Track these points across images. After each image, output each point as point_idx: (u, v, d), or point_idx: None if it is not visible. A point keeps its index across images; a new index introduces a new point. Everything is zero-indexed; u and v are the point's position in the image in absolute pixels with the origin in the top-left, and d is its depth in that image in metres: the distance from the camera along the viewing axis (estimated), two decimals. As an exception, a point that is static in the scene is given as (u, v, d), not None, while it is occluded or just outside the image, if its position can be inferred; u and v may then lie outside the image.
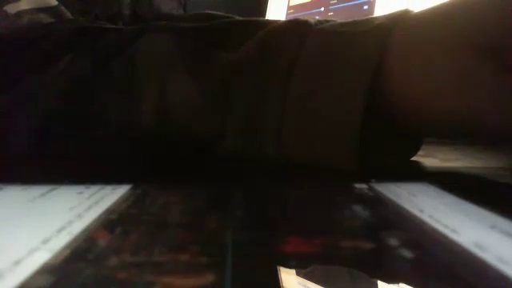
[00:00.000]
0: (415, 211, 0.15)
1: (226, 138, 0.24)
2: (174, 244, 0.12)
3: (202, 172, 0.24)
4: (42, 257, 0.11)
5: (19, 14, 0.32)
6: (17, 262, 0.11)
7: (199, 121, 0.24)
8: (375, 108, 0.21)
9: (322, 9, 0.67)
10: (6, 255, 0.11)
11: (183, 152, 0.25)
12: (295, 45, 0.22)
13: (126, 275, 0.10)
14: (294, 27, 0.23)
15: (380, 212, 0.15)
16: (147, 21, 0.46)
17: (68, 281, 0.10)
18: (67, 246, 0.12)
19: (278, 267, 0.11)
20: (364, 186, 0.19)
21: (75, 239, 0.12)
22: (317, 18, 0.24)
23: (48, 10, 0.34)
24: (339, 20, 0.24)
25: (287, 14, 0.75)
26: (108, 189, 0.18)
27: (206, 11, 0.29)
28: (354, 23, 0.22)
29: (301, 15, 0.25)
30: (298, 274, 0.11)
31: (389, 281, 0.10)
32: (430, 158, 0.27)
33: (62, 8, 0.35)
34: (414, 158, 0.26)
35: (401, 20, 0.21)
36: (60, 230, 0.13)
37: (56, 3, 0.35)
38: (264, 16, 0.77)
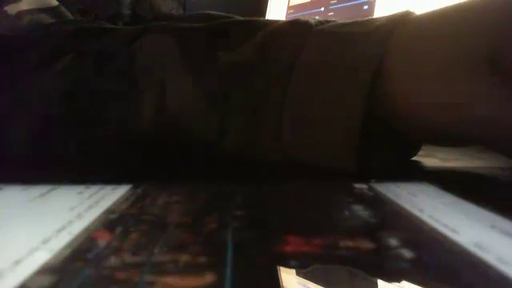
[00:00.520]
0: (415, 211, 0.15)
1: (225, 138, 0.24)
2: (174, 244, 0.12)
3: (202, 172, 0.24)
4: (41, 257, 0.11)
5: (19, 15, 0.32)
6: (17, 262, 0.11)
7: (199, 121, 0.24)
8: (375, 109, 0.21)
9: (322, 9, 0.67)
10: (5, 255, 0.11)
11: (183, 152, 0.25)
12: (295, 45, 0.22)
13: (126, 275, 0.10)
14: (294, 28, 0.23)
15: (380, 212, 0.15)
16: (147, 21, 0.46)
17: (68, 281, 0.10)
18: (67, 246, 0.12)
19: (277, 267, 0.11)
20: (364, 186, 0.19)
21: (75, 239, 0.12)
22: (317, 18, 0.24)
23: (48, 10, 0.34)
24: (340, 20, 0.24)
25: (287, 13, 0.75)
26: (108, 189, 0.18)
27: (206, 11, 0.29)
28: (355, 24, 0.22)
29: (301, 15, 0.25)
30: (298, 274, 0.11)
31: (389, 281, 0.10)
32: (429, 158, 0.27)
33: (63, 8, 0.35)
34: (414, 158, 0.26)
35: (401, 22, 0.21)
36: (60, 230, 0.13)
37: (56, 3, 0.35)
38: (264, 16, 0.77)
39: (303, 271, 0.11)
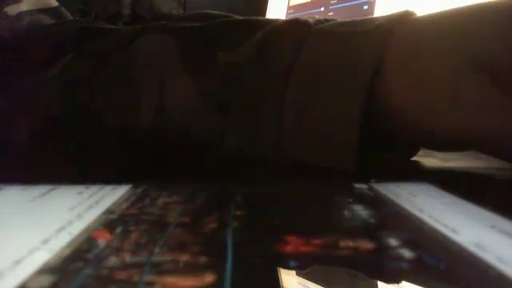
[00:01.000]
0: (415, 211, 0.15)
1: (225, 138, 0.24)
2: (174, 244, 0.12)
3: (202, 172, 0.24)
4: (41, 257, 0.11)
5: (20, 16, 0.32)
6: (17, 262, 0.11)
7: (199, 121, 0.24)
8: (374, 109, 0.21)
9: (322, 9, 0.67)
10: (5, 255, 0.11)
11: (183, 152, 0.25)
12: (294, 45, 0.22)
13: (125, 275, 0.10)
14: (294, 27, 0.23)
15: (380, 212, 0.15)
16: (147, 21, 0.46)
17: (68, 281, 0.10)
18: (67, 246, 0.12)
19: (277, 268, 0.11)
20: (364, 185, 0.19)
21: (75, 239, 0.12)
22: (317, 17, 0.24)
23: (48, 10, 0.34)
24: (339, 19, 0.24)
25: (287, 13, 0.75)
26: (108, 189, 0.18)
27: (206, 11, 0.29)
28: (354, 23, 0.22)
29: (301, 15, 0.25)
30: (298, 274, 0.11)
31: (389, 281, 0.10)
32: (430, 158, 0.27)
33: (63, 9, 0.35)
34: (414, 158, 0.26)
35: (400, 22, 0.21)
36: (60, 230, 0.13)
37: (56, 4, 0.35)
38: (264, 16, 0.77)
39: (303, 271, 0.11)
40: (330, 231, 0.13)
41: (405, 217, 0.15)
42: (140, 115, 0.25)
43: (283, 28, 0.24)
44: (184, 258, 0.11)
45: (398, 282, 0.10)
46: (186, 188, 0.19)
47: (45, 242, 0.12)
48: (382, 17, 0.22)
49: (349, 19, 0.23)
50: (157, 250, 0.12)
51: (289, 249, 0.12)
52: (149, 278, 0.10)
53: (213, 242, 0.12)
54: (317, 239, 0.12)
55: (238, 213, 0.15)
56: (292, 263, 0.11)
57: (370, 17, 0.23)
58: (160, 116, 0.25)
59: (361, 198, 0.17)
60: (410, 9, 0.22)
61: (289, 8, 0.75)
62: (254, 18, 0.26)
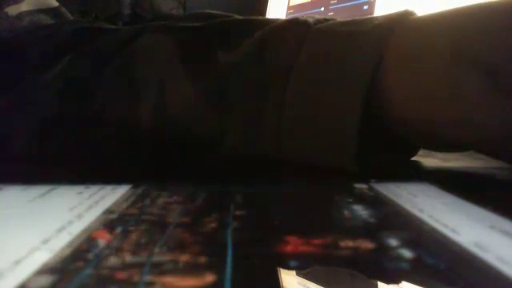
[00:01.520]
0: (415, 211, 0.15)
1: (225, 138, 0.24)
2: (174, 244, 0.12)
3: (202, 172, 0.24)
4: (41, 257, 0.11)
5: (20, 16, 0.32)
6: (17, 262, 0.11)
7: (198, 121, 0.24)
8: (374, 108, 0.21)
9: (322, 9, 0.67)
10: (5, 255, 0.11)
11: (183, 152, 0.25)
12: (294, 44, 0.22)
13: (126, 275, 0.10)
14: (294, 26, 0.23)
15: (380, 212, 0.15)
16: (147, 21, 0.46)
17: (68, 281, 0.10)
18: (67, 246, 0.12)
19: (277, 268, 0.11)
20: (364, 185, 0.19)
21: (75, 239, 0.12)
22: (316, 17, 0.24)
23: (49, 11, 0.34)
24: (339, 19, 0.24)
25: (287, 14, 0.75)
26: (108, 189, 0.18)
27: (206, 11, 0.29)
28: (354, 23, 0.22)
29: (301, 15, 0.25)
30: (298, 274, 0.11)
31: (389, 281, 0.10)
32: (429, 158, 0.27)
33: (63, 9, 0.35)
34: (414, 158, 0.26)
35: (400, 22, 0.21)
36: (60, 230, 0.13)
37: (57, 4, 0.35)
38: (264, 16, 0.77)
39: (303, 271, 0.11)
40: (330, 231, 0.13)
41: (405, 217, 0.15)
42: (140, 115, 0.25)
43: (283, 28, 0.24)
44: (184, 258, 0.11)
45: (397, 282, 0.10)
46: (185, 188, 0.19)
47: (45, 241, 0.12)
48: (381, 16, 0.22)
49: (349, 19, 0.23)
50: (157, 250, 0.12)
51: (289, 249, 0.12)
52: (149, 278, 0.10)
53: (213, 242, 0.12)
54: (317, 239, 0.12)
55: (238, 213, 0.15)
56: (292, 263, 0.11)
57: (369, 16, 0.23)
58: (160, 116, 0.25)
59: (361, 198, 0.17)
60: (410, 9, 0.22)
61: (289, 8, 0.75)
62: (253, 17, 0.26)
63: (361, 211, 0.15)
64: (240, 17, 0.27)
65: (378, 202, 0.16)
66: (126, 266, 0.10)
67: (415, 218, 0.14)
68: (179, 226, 0.14)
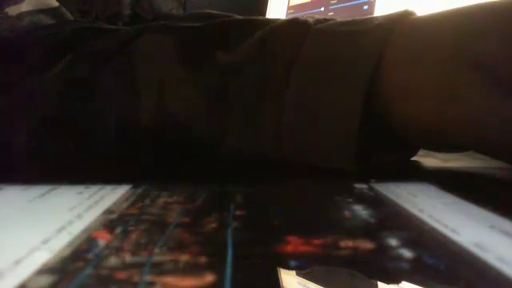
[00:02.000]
0: (415, 211, 0.15)
1: (225, 138, 0.24)
2: (174, 244, 0.12)
3: (202, 172, 0.24)
4: (41, 257, 0.11)
5: (20, 16, 0.32)
6: (17, 262, 0.11)
7: (198, 121, 0.24)
8: (374, 108, 0.21)
9: (322, 9, 0.67)
10: (5, 255, 0.11)
11: (183, 152, 0.25)
12: (294, 44, 0.22)
13: (126, 275, 0.10)
14: (294, 26, 0.23)
15: (380, 212, 0.15)
16: (147, 21, 0.46)
17: (68, 281, 0.10)
18: (67, 246, 0.12)
19: (278, 268, 0.11)
20: (364, 185, 0.19)
21: (75, 239, 0.12)
22: (316, 17, 0.24)
23: (49, 11, 0.34)
24: (339, 19, 0.24)
25: (287, 14, 0.75)
26: (108, 189, 0.18)
27: (206, 11, 0.29)
28: (354, 23, 0.22)
29: (301, 15, 0.25)
30: (298, 274, 0.11)
31: (389, 281, 0.10)
32: (429, 158, 0.27)
33: (63, 9, 0.35)
34: (414, 158, 0.26)
35: (400, 21, 0.21)
36: (60, 230, 0.13)
37: (57, 4, 0.35)
38: (264, 16, 0.77)
39: (303, 271, 0.11)
40: (330, 231, 0.13)
41: (405, 217, 0.15)
42: (140, 115, 0.25)
43: (283, 28, 0.24)
44: (184, 258, 0.11)
45: (397, 282, 0.10)
46: (186, 188, 0.19)
47: (45, 241, 0.12)
48: (381, 16, 0.22)
49: (349, 19, 0.23)
50: (157, 250, 0.12)
51: (289, 249, 0.12)
52: (149, 278, 0.10)
53: (213, 242, 0.12)
54: (317, 239, 0.12)
55: (238, 213, 0.15)
56: (292, 263, 0.11)
57: (369, 16, 0.23)
58: (160, 116, 0.25)
59: (361, 198, 0.17)
60: (410, 9, 0.22)
61: (289, 8, 0.75)
62: (253, 17, 0.26)
63: (361, 211, 0.15)
64: (240, 17, 0.27)
65: (377, 202, 0.16)
66: (125, 266, 0.10)
67: (415, 218, 0.14)
68: (179, 226, 0.14)
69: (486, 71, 0.18)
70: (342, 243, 0.12)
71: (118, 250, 0.11)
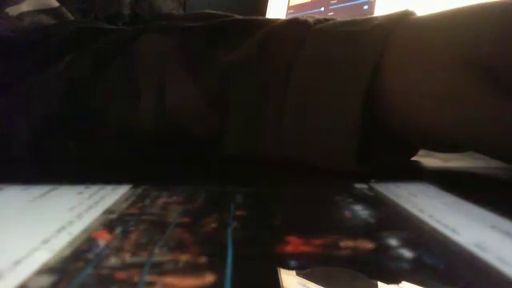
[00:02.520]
0: (415, 211, 0.15)
1: (225, 138, 0.24)
2: (174, 244, 0.12)
3: (202, 172, 0.24)
4: (41, 257, 0.11)
5: (21, 16, 0.32)
6: (17, 262, 0.11)
7: (199, 121, 0.24)
8: (374, 108, 0.21)
9: (322, 9, 0.67)
10: (6, 255, 0.11)
11: (183, 152, 0.25)
12: (294, 45, 0.22)
13: (126, 275, 0.10)
14: (294, 26, 0.23)
15: (380, 212, 0.15)
16: (147, 21, 0.46)
17: (68, 281, 0.10)
18: (67, 246, 0.12)
19: (278, 268, 0.11)
20: (364, 185, 0.19)
21: (75, 239, 0.12)
22: (316, 17, 0.24)
23: (49, 11, 0.34)
24: (339, 19, 0.24)
25: (287, 13, 0.75)
26: (108, 189, 0.18)
27: (206, 11, 0.29)
28: (354, 23, 0.22)
29: (301, 15, 0.25)
30: (298, 274, 0.11)
31: (389, 281, 0.10)
32: (429, 158, 0.27)
33: (63, 9, 0.35)
34: (414, 158, 0.26)
35: (400, 22, 0.21)
36: (60, 230, 0.13)
37: (57, 5, 0.35)
38: (264, 16, 0.77)
39: (303, 271, 0.11)
40: (330, 231, 0.13)
41: (405, 217, 0.15)
42: (140, 115, 0.25)
43: (283, 28, 0.24)
44: (184, 258, 0.11)
45: (397, 282, 0.10)
46: (185, 188, 0.19)
47: (45, 241, 0.12)
48: (381, 16, 0.22)
49: (349, 19, 0.23)
50: (157, 250, 0.12)
51: (289, 249, 0.12)
52: (149, 278, 0.10)
53: (213, 242, 0.12)
54: (317, 239, 0.12)
55: (238, 213, 0.15)
56: (292, 263, 0.11)
57: (369, 16, 0.23)
58: (160, 116, 0.25)
59: (361, 198, 0.17)
60: (410, 9, 0.22)
61: (289, 8, 0.75)
62: (253, 17, 0.26)
63: (361, 211, 0.15)
64: (240, 17, 0.27)
65: (377, 202, 0.16)
66: (126, 266, 0.10)
67: (415, 218, 0.14)
68: (179, 226, 0.14)
69: (485, 71, 0.18)
70: (342, 243, 0.12)
71: (118, 250, 0.11)
